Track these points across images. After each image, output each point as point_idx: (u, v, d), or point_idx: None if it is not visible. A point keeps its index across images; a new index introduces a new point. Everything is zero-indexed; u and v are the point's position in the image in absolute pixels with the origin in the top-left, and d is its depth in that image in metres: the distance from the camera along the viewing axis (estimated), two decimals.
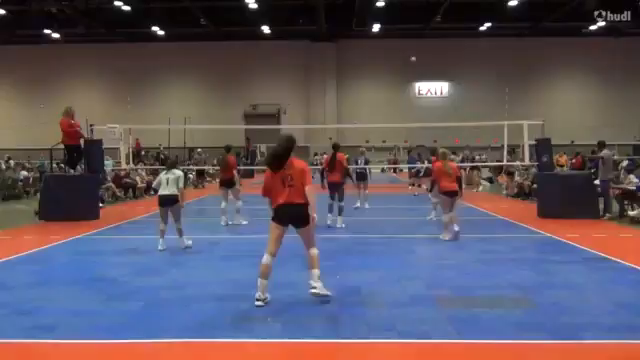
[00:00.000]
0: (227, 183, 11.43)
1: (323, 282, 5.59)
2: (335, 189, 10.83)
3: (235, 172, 11.56)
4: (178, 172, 8.70)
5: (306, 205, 5.46)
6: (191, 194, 19.84)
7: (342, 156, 11.06)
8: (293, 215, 5.51)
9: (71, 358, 4.33)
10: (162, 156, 26.96)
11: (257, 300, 5.41)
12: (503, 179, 18.56)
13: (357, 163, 15.11)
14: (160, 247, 8.40)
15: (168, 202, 8.44)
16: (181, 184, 8.54)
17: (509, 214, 12.91)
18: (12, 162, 22.15)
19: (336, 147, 11.11)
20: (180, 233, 8.59)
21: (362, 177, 14.41)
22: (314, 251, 5.65)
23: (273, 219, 5.57)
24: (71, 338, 4.61)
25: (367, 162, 15.37)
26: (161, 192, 8.51)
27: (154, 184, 9.06)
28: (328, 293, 5.52)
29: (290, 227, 5.65)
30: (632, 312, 5.23)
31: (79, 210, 11.99)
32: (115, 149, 17.09)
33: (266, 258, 5.52)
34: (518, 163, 17.54)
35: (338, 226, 10.71)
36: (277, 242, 5.57)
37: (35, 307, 5.46)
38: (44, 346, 4.48)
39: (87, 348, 4.43)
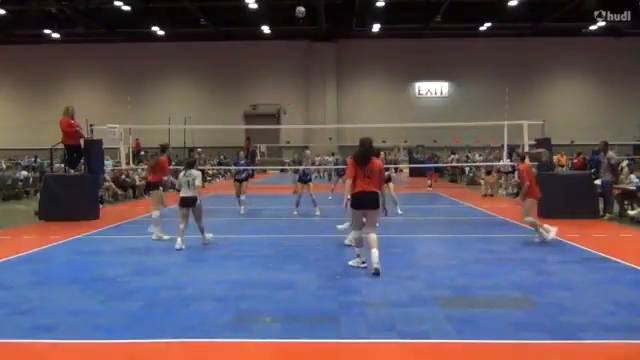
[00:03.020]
0: (150, 187, 10.50)
1: (323, 282, 5.57)
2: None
3: (165, 177, 10.36)
4: (195, 173, 8.81)
5: (378, 194, 6.85)
6: None
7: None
8: (367, 200, 6.77)
9: (71, 358, 4.33)
10: None
11: (362, 263, 6.92)
12: (492, 179, 18.50)
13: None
14: (177, 246, 8.48)
15: (189, 203, 8.70)
16: (198, 182, 8.70)
17: (509, 214, 12.90)
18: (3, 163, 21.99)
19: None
20: (202, 231, 8.85)
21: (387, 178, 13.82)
22: (374, 235, 6.81)
23: (352, 205, 6.84)
24: (71, 338, 4.61)
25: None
26: (182, 194, 8.80)
27: (177, 185, 9.23)
28: (379, 269, 6.60)
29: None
30: (632, 312, 5.23)
31: (79, 210, 11.99)
32: (115, 149, 17.09)
33: (356, 232, 7.00)
34: (501, 163, 17.50)
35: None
36: (361, 220, 6.93)
37: (35, 307, 5.45)
38: (44, 346, 4.47)
39: (87, 348, 4.43)
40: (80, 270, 7.21)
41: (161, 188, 10.27)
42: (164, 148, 10.76)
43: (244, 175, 13.75)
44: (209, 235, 8.97)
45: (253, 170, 14.18)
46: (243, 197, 13.53)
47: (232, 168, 17.42)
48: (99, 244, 9.32)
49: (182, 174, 8.88)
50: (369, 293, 5.90)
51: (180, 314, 5.20)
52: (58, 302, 5.65)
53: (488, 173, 18.46)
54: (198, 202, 8.73)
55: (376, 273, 6.54)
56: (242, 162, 14.39)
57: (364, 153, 6.92)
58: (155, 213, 9.78)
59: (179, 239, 8.55)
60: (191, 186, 8.69)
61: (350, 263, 7.16)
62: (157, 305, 5.50)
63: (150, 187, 10.65)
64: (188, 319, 5.03)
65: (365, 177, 6.79)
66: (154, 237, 9.50)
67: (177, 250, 8.42)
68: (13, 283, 6.46)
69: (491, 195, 17.51)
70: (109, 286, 6.30)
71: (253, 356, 4.31)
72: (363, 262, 6.98)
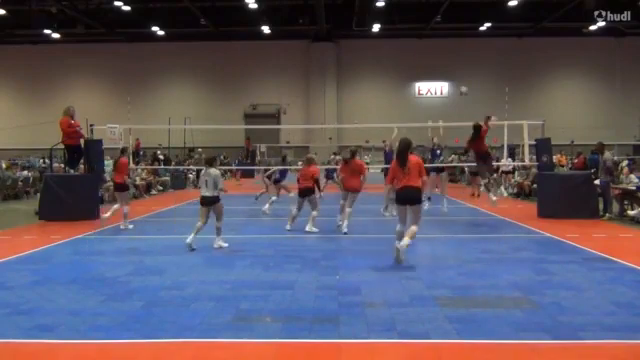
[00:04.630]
0: (118, 187, 11.20)
1: (323, 282, 5.56)
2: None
3: (126, 177, 11.25)
4: (215, 172, 8.77)
5: (419, 189, 7.34)
6: (191, 194, 19.86)
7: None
8: (409, 195, 7.27)
9: (71, 358, 4.33)
10: (161, 156, 26.95)
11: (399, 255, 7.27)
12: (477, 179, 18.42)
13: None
14: (188, 241, 8.49)
15: (207, 202, 8.69)
16: (220, 185, 8.70)
17: (509, 214, 12.91)
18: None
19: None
20: (218, 232, 8.80)
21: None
22: (415, 227, 7.26)
23: (397, 201, 7.45)
24: (71, 338, 4.61)
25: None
26: (202, 193, 8.78)
27: (198, 183, 9.37)
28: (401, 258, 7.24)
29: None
30: (632, 312, 5.23)
31: (79, 210, 11.99)
32: (115, 149, 17.08)
33: (399, 226, 7.41)
34: (502, 163, 17.47)
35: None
36: (405, 216, 7.37)
37: (35, 307, 5.46)
38: (44, 346, 4.47)
39: (87, 348, 4.43)
40: (80, 270, 7.21)
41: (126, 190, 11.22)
42: (123, 149, 11.93)
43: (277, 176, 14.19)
44: (224, 244, 8.81)
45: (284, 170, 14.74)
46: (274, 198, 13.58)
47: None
48: (99, 244, 9.32)
49: (202, 172, 8.96)
50: (369, 293, 5.90)
51: (180, 314, 5.21)
52: (58, 302, 5.65)
53: (474, 174, 18.38)
54: (218, 203, 8.73)
55: (399, 253, 7.22)
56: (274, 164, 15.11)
57: (401, 152, 7.53)
58: (125, 208, 10.95)
59: (192, 235, 8.55)
60: (209, 185, 8.64)
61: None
62: (157, 305, 5.50)
63: (117, 187, 11.36)
64: (188, 319, 5.03)
65: (405, 174, 7.36)
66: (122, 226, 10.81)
67: (187, 243, 8.43)
68: (13, 283, 6.47)
69: (478, 195, 17.39)
70: (109, 286, 6.30)
71: (253, 356, 4.31)
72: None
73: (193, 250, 8.42)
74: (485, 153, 12.11)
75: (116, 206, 11.16)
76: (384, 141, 14.70)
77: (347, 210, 10.33)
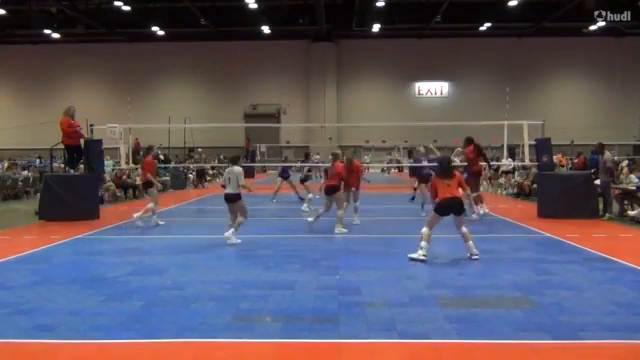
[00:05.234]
0: (144, 185, 11.84)
1: (323, 282, 5.57)
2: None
3: (149, 175, 11.50)
4: (237, 169, 9.02)
5: (461, 199, 7.91)
6: (191, 194, 19.87)
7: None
8: (453, 206, 7.70)
9: (71, 358, 4.33)
10: (162, 156, 26.94)
11: (423, 256, 7.52)
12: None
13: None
14: (227, 235, 8.87)
15: (229, 199, 8.96)
16: (241, 181, 8.92)
17: (509, 214, 12.91)
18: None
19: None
20: (236, 227, 8.95)
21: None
22: (465, 229, 7.84)
23: (436, 210, 7.77)
24: (71, 338, 4.60)
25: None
26: (225, 190, 9.13)
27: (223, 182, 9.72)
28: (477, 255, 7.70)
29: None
30: (632, 312, 5.23)
31: (79, 210, 11.99)
32: (115, 149, 17.09)
33: (427, 230, 7.68)
34: (502, 162, 17.47)
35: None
36: (436, 223, 7.79)
37: (35, 307, 5.45)
38: (44, 346, 4.47)
39: (87, 348, 4.43)
40: (80, 270, 7.21)
41: (154, 187, 11.33)
42: (149, 148, 12.49)
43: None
44: (236, 240, 8.88)
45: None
46: (311, 195, 14.08)
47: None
48: (99, 244, 9.32)
49: (227, 170, 9.22)
50: (369, 293, 5.89)
51: (180, 314, 5.20)
52: (58, 302, 5.65)
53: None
54: (239, 200, 8.93)
55: (476, 258, 7.63)
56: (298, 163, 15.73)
57: (447, 169, 7.99)
58: (150, 204, 11.20)
59: (228, 231, 8.91)
60: (232, 183, 8.91)
61: (411, 255, 7.60)
62: (157, 305, 5.50)
63: (143, 185, 11.95)
64: (188, 319, 5.03)
65: (446, 187, 7.76)
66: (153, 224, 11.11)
67: (224, 238, 8.80)
68: (13, 283, 6.46)
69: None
70: (109, 286, 6.30)
71: (253, 356, 4.30)
72: (424, 255, 7.53)
73: (234, 245, 8.75)
74: (477, 172, 12.74)
75: (150, 205, 11.31)
76: (425, 147, 14.28)
77: (355, 204, 11.15)
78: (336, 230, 10.07)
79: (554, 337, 4.54)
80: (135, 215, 11.03)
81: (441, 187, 7.79)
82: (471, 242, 7.76)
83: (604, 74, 38.40)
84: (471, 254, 7.72)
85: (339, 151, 11.40)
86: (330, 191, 10.26)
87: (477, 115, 28.96)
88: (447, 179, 7.79)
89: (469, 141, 12.55)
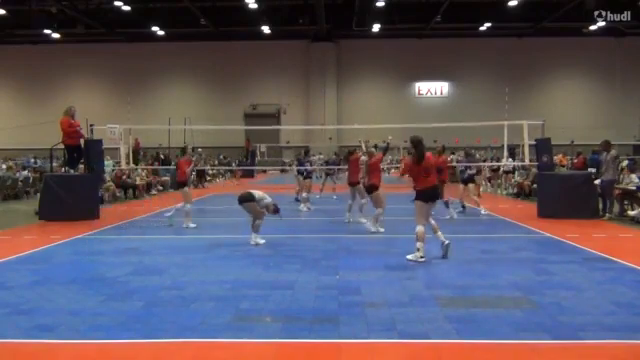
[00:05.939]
0: (178, 185, 12.08)
1: (323, 282, 5.56)
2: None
3: (188, 173, 11.78)
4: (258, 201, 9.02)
5: (438, 186, 7.88)
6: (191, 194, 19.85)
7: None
8: (433, 194, 7.55)
9: (71, 358, 4.33)
10: (162, 156, 26.96)
11: (421, 257, 7.40)
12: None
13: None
14: (254, 240, 8.97)
15: (240, 201, 9.01)
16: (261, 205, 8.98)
17: (509, 214, 12.91)
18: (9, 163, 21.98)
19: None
20: (254, 229, 8.97)
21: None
22: (434, 222, 7.79)
23: (418, 199, 7.49)
24: (71, 338, 4.60)
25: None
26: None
27: None
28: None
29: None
30: (632, 312, 5.23)
31: (79, 210, 11.99)
32: (115, 149, 17.09)
33: (421, 227, 7.43)
34: (502, 162, 17.47)
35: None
36: (427, 215, 7.59)
37: (35, 307, 5.45)
38: (44, 346, 4.47)
39: (87, 348, 4.43)
40: (80, 270, 7.21)
41: (186, 186, 11.29)
42: (184, 149, 12.43)
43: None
44: (260, 240, 8.98)
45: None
46: (305, 194, 14.46)
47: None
48: (99, 244, 9.32)
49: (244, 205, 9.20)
50: (369, 293, 5.89)
51: (180, 314, 5.20)
52: (58, 302, 5.65)
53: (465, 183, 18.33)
54: (250, 202, 8.91)
55: (448, 245, 7.61)
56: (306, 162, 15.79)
57: (420, 154, 7.64)
58: (187, 206, 11.06)
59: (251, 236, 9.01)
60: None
61: (409, 257, 7.50)
62: (157, 305, 5.50)
63: (177, 185, 12.37)
64: (188, 319, 5.03)
65: (423, 175, 7.55)
66: (184, 225, 10.95)
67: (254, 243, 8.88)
68: (13, 283, 6.46)
69: (479, 196, 17.25)
70: (109, 286, 6.30)
71: (253, 356, 4.30)
72: (422, 257, 7.41)
73: (258, 245, 8.81)
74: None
75: (180, 205, 11.51)
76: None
77: (362, 201, 11.18)
78: (372, 229, 10.15)
79: (554, 337, 4.54)
80: (167, 215, 11.37)
81: (419, 175, 7.59)
82: (440, 233, 7.79)
83: (604, 74, 38.38)
84: (419, 257, 7.48)
85: (373, 149, 11.23)
86: (370, 190, 10.38)
87: (477, 115, 28.97)
88: (421, 164, 7.57)
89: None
